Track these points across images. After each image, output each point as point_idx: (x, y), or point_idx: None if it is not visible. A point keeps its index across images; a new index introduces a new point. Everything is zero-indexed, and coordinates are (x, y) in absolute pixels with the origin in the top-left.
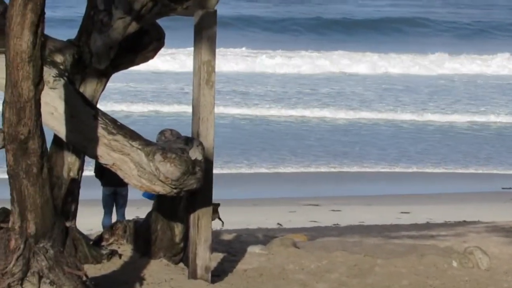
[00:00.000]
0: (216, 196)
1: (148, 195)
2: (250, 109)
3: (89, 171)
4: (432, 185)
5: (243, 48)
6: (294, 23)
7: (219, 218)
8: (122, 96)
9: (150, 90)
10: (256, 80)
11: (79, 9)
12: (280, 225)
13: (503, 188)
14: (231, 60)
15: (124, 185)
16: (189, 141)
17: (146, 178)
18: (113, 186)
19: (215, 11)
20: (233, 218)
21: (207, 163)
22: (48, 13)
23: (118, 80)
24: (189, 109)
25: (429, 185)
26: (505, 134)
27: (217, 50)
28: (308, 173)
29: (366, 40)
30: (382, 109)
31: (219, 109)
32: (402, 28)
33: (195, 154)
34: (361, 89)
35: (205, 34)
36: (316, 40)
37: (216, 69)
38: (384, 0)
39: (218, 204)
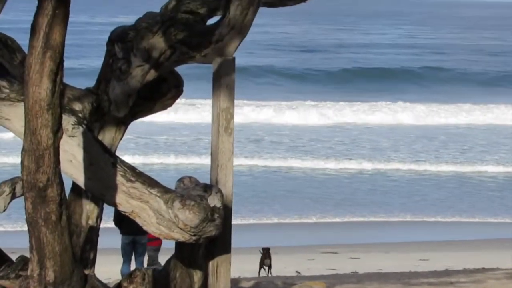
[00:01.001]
0: (235, 244)
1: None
2: (264, 160)
3: (105, 221)
4: (450, 232)
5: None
6: (307, 72)
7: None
8: (138, 147)
9: (165, 141)
10: (268, 130)
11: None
12: (299, 272)
13: None
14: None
15: (143, 233)
16: (208, 188)
17: (165, 225)
18: (132, 234)
19: (234, 58)
20: (252, 266)
21: (226, 210)
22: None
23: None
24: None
25: (447, 232)
26: None
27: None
28: (326, 222)
29: (381, 88)
30: (397, 158)
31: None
32: (420, 76)
33: (214, 201)
34: (376, 137)
35: (223, 82)
36: (332, 91)
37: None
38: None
39: (268, 248)
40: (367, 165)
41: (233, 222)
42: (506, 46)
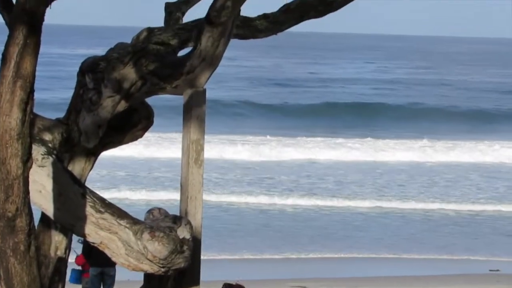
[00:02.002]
0: (204, 278)
1: (74, 279)
2: (229, 195)
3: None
4: (420, 267)
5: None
6: (289, 108)
7: None
8: (111, 181)
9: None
10: (236, 164)
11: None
12: None
13: (490, 270)
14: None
15: (112, 265)
16: (177, 219)
17: (134, 256)
18: (101, 266)
19: (204, 90)
20: None
21: (195, 242)
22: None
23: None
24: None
25: (416, 268)
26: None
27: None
28: (296, 257)
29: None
30: (362, 194)
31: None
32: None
33: (183, 233)
34: (344, 173)
35: (194, 113)
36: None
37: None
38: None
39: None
40: (335, 201)
41: (202, 256)
42: (476, 82)
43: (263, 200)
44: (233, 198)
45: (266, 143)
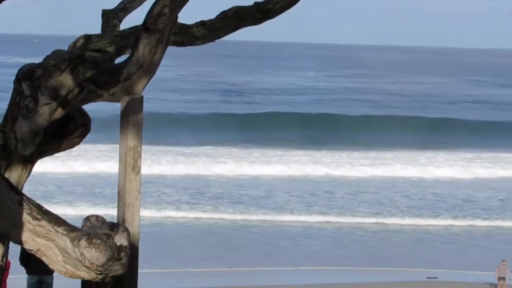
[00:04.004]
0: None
1: None
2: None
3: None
4: (359, 276)
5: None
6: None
7: None
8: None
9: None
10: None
11: None
12: None
13: (427, 278)
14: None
15: (50, 273)
16: (114, 226)
17: (71, 264)
18: (38, 274)
19: (142, 97)
20: None
21: (133, 249)
22: None
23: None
24: None
25: (355, 276)
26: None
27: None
28: (236, 270)
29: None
30: (291, 208)
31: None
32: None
33: (120, 239)
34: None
35: (131, 120)
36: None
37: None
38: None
39: None
40: (266, 216)
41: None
42: (415, 90)
43: (200, 214)
44: (168, 213)
45: (195, 155)
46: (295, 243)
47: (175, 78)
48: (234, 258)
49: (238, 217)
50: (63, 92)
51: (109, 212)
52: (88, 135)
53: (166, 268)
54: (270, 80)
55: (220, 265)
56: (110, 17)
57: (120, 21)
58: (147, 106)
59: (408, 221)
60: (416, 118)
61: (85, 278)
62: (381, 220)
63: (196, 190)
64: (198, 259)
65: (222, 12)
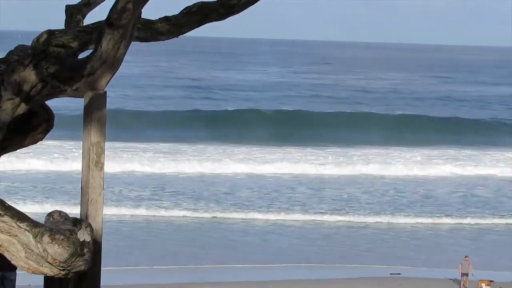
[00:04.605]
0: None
1: None
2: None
3: None
4: (321, 273)
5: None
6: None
7: None
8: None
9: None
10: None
11: None
12: None
13: (391, 274)
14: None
15: (12, 269)
16: (77, 222)
17: (34, 259)
18: (1, 270)
19: (105, 92)
20: None
21: (96, 245)
22: None
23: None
24: None
25: (318, 273)
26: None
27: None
28: (193, 267)
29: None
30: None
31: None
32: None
33: (83, 235)
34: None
35: (95, 116)
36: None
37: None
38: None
39: None
40: (230, 213)
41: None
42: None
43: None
44: (128, 210)
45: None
46: (263, 240)
47: (140, 75)
48: (201, 254)
49: (201, 215)
50: (26, 87)
51: (72, 210)
52: (51, 132)
53: (132, 265)
54: (234, 77)
55: (187, 262)
56: (73, 12)
57: (84, 16)
58: (110, 102)
59: (371, 218)
60: (381, 116)
61: (47, 274)
62: (343, 217)
63: (157, 187)
64: (162, 257)
65: (186, 8)
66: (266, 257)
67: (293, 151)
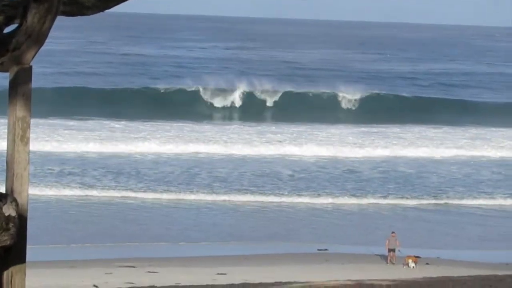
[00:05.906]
0: (30, 258)
1: None
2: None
3: None
4: (248, 247)
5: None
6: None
7: None
8: None
9: None
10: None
11: None
12: (96, 287)
13: (318, 250)
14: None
15: None
16: (2, 197)
17: None
18: None
19: (31, 67)
20: (49, 281)
21: (21, 220)
22: None
23: None
24: None
25: (245, 247)
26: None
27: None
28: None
29: None
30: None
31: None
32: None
33: (8, 210)
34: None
35: (20, 90)
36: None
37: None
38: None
39: None
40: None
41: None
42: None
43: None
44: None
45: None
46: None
47: (70, 50)
48: (127, 232)
49: (122, 194)
50: None
51: None
52: None
53: (54, 243)
54: (169, 53)
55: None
56: None
57: None
58: (36, 79)
59: (298, 198)
60: (309, 94)
61: None
62: (260, 198)
63: (77, 167)
64: (90, 235)
65: None
66: (196, 234)
67: (215, 130)
